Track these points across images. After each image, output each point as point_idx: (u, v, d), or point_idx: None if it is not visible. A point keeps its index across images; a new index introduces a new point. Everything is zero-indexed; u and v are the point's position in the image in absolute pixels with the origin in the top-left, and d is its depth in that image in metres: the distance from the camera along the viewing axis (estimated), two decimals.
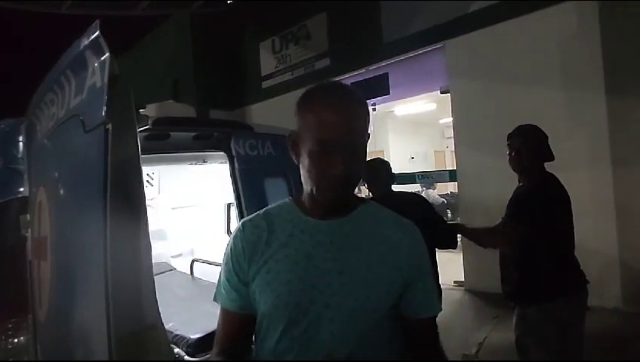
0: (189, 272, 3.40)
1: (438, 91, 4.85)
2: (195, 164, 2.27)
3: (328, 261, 0.79)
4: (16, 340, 1.35)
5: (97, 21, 0.73)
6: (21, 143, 1.43)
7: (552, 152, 1.84)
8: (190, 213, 3.68)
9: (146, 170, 3.24)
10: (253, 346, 0.87)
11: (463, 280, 4.47)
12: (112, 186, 0.70)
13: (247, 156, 2.07)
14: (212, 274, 3.16)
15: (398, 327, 0.85)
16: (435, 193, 6.47)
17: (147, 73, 8.82)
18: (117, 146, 0.72)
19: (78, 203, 0.80)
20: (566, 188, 1.84)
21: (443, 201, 6.32)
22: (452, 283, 4.53)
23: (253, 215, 0.88)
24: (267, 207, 0.90)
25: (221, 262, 0.88)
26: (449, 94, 4.70)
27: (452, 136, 4.84)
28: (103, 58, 0.74)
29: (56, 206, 0.89)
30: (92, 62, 0.77)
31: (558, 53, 3.81)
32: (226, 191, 2.64)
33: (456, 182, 4.88)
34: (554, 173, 1.89)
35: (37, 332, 1.14)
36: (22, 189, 1.40)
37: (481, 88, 4.32)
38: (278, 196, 2.11)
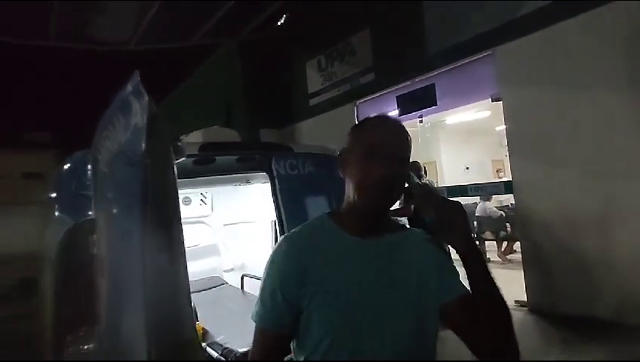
0: (239, 286, 3.56)
1: (489, 100, 4.64)
2: (240, 184, 2.40)
3: (382, 277, 0.87)
4: (87, 347, 1.53)
5: (137, 71, 0.85)
6: (89, 172, 1.64)
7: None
8: (241, 230, 3.87)
9: (198, 191, 3.50)
10: None
11: (526, 299, 4.15)
12: (151, 213, 0.80)
13: (287, 175, 2.15)
14: None
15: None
16: (492, 205, 6.10)
17: (202, 99, 9.51)
18: (156, 177, 0.82)
19: (124, 228, 0.91)
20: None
21: (501, 214, 5.93)
22: (513, 303, 4.22)
23: (295, 233, 0.92)
24: (305, 225, 0.95)
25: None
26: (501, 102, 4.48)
27: None
28: (142, 102, 0.85)
29: (109, 229, 1.02)
30: (135, 105, 0.89)
31: (621, 53, 3.47)
32: (272, 209, 2.77)
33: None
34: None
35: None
36: (91, 213, 1.60)
37: (535, 95, 4.06)
38: (318, 213, 2.17)
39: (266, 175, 2.12)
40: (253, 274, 3.45)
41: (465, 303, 0.89)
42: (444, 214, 0.85)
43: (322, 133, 6.88)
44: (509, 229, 5.96)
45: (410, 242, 0.95)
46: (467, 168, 8.40)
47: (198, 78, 9.50)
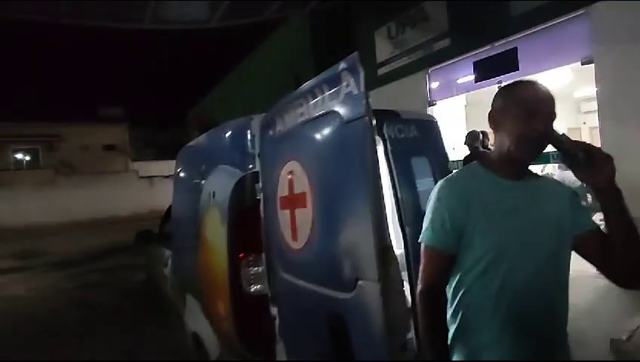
0: None
1: (579, 63, 4.45)
2: None
3: (529, 210, 1.12)
4: (255, 269, 1.98)
5: (356, 52, 1.15)
6: (249, 134, 2.03)
7: None
8: None
9: None
10: None
11: None
12: (372, 155, 1.13)
13: (396, 138, 2.42)
14: None
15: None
16: (571, 175, 5.88)
17: (271, 71, 9.91)
18: (371, 131, 1.15)
19: (340, 168, 1.25)
20: None
21: (582, 184, 5.72)
22: (595, 271, 4.23)
23: (454, 177, 1.19)
24: (460, 171, 1.22)
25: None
26: (587, 66, 4.29)
27: (590, 111, 4.45)
28: (359, 76, 1.15)
29: (317, 172, 1.37)
30: (347, 78, 1.20)
31: None
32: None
33: None
34: None
35: (282, 259, 1.70)
36: (251, 166, 2.01)
37: (633, 56, 3.86)
38: (422, 172, 2.44)
39: (379, 138, 2.41)
40: None
41: (597, 236, 1.13)
42: (594, 157, 1.06)
43: (390, 101, 6.96)
44: (589, 199, 5.76)
45: (548, 185, 1.21)
46: None
47: (267, 51, 9.88)
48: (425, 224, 1.17)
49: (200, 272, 2.43)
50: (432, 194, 1.19)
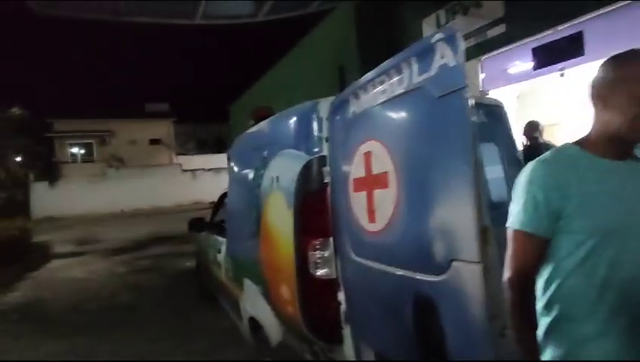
0: None
1: None
2: None
3: (635, 194, 1.02)
4: (322, 253, 1.97)
5: (454, 22, 1.09)
6: (315, 117, 2.02)
7: None
8: None
9: None
10: None
11: None
12: (462, 129, 1.07)
13: None
14: None
15: None
16: None
17: (316, 63, 9.88)
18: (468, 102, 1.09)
19: (432, 145, 1.20)
20: None
21: None
22: None
23: (547, 158, 1.08)
24: (552, 153, 1.11)
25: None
26: None
27: None
28: (457, 46, 1.09)
29: (402, 150, 1.33)
30: (443, 49, 1.14)
31: None
32: None
33: None
34: None
35: (355, 242, 1.68)
36: (317, 150, 2.00)
37: None
38: (490, 159, 2.32)
39: None
40: None
41: None
42: None
43: None
44: None
45: None
46: None
47: (310, 43, 9.87)
48: (515, 208, 1.08)
49: (262, 257, 2.46)
50: (521, 177, 1.10)
